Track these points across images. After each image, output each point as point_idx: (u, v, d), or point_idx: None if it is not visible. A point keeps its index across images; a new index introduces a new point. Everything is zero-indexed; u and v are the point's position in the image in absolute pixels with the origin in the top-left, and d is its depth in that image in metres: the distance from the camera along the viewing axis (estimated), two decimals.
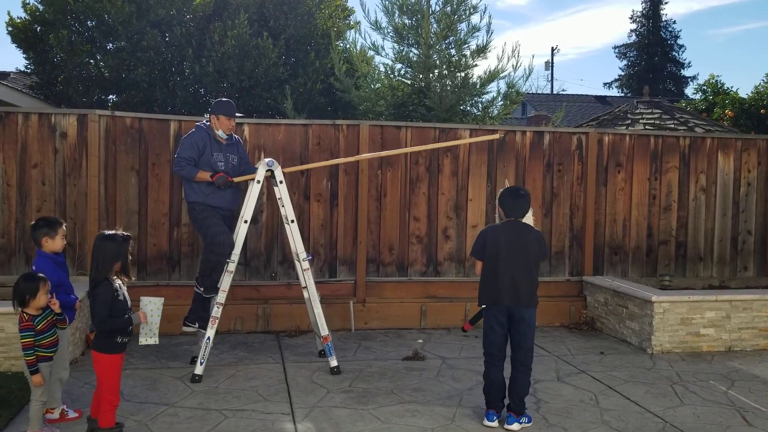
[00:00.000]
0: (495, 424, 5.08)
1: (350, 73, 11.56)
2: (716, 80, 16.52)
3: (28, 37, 13.15)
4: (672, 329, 7.27)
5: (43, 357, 4.53)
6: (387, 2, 11.20)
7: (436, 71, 11.19)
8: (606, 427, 5.10)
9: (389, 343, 7.49)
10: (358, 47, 11.49)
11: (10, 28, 13.19)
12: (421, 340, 7.59)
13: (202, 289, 6.33)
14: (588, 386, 6.08)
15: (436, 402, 5.57)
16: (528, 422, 5.10)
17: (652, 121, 11.87)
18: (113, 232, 4.59)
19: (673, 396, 5.86)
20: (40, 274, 4.58)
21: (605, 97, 36.03)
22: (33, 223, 5.07)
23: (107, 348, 4.43)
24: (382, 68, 11.64)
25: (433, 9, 11.11)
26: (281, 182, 6.28)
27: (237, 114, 6.52)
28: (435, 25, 11.00)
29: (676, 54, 46.06)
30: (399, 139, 8.22)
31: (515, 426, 5.00)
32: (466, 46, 11.24)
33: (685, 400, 5.76)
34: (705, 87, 16.73)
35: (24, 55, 13.57)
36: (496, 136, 7.77)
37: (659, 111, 12.32)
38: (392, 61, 11.46)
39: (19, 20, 13.21)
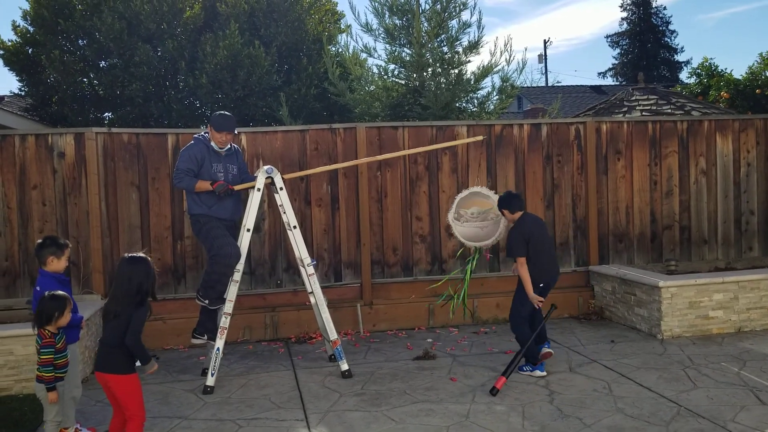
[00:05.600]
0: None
1: (344, 77, 11.56)
2: (710, 63, 16.48)
3: (21, 60, 13.15)
4: (681, 313, 7.26)
5: (57, 377, 4.53)
6: (377, 4, 11.20)
7: (429, 70, 11.19)
8: (621, 415, 5.09)
9: (399, 343, 7.48)
10: (350, 50, 11.49)
11: (1, 52, 13.19)
12: (430, 339, 7.58)
13: (206, 301, 6.29)
14: (600, 375, 6.07)
15: (450, 400, 5.56)
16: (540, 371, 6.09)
17: (649, 107, 11.86)
18: (141, 254, 4.49)
19: (685, 380, 5.85)
20: (64, 293, 4.60)
21: (600, 86, 35.96)
22: (40, 241, 5.01)
23: (130, 368, 4.38)
24: (375, 70, 11.66)
25: (423, 8, 11.12)
26: (281, 189, 6.27)
27: (236, 130, 6.46)
28: (426, 24, 11.00)
29: (669, 40, 46.01)
30: (396, 139, 8.22)
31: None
32: (458, 42, 11.24)
33: (698, 383, 5.75)
34: (699, 70, 16.69)
35: (17, 78, 13.57)
36: (480, 138, 7.69)
37: (655, 97, 12.31)
38: (385, 62, 11.46)
39: (10, 43, 13.21)
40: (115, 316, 4.33)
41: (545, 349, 6.19)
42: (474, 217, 6.72)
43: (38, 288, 4.85)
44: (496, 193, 6.69)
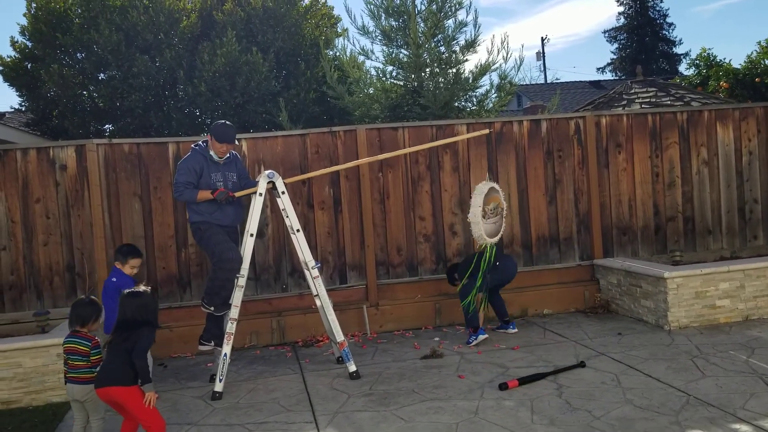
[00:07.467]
0: None
1: (342, 80, 11.58)
2: (708, 53, 16.43)
3: (20, 75, 13.20)
4: (687, 304, 7.24)
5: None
6: (373, 6, 11.23)
7: (427, 70, 11.21)
8: (630, 406, 5.08)
9: (406, 343, 7.48)
10: (347, 53, 11.51)
11: (1, 68, 13.24)
12: (437, 338, 7.57)
13: (212, 308, 6.30)
14: (608, 368, 6.06)
15: (458, 397, 5.55)
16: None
17: (648, 100, 11.85)
18: (141, 289, 4.74)
19: (694, 369, 5.83)
20: (98, 302, 4.92)
21: (599, 81, 35.90)
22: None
23: (134, 381, 4.43)
24: (373, 72, 11.67)
25: (419, 9, 11.13)
26: (283, 193, 6.28)
27: (237, 136, 6.47)
28: (422, 25, 11.02)
29: (666, 32, 45.90)
30: (397, 140, 8.22)
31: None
32: (455, 42, 11.27)
33: (706, 372, 5.74)
34: (698, 61, 16.63)
35: (17, 93, 13.63)
36: (486, 131, 7.71)
37: (654, 89, 12.31)
38: (383, 63, 11.49)
39: (9, 59, 13.27)
40: (125, 339, 4.47)
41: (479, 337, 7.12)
42: (492, 212, 6.93)
43: (114, 279, 5.53)
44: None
